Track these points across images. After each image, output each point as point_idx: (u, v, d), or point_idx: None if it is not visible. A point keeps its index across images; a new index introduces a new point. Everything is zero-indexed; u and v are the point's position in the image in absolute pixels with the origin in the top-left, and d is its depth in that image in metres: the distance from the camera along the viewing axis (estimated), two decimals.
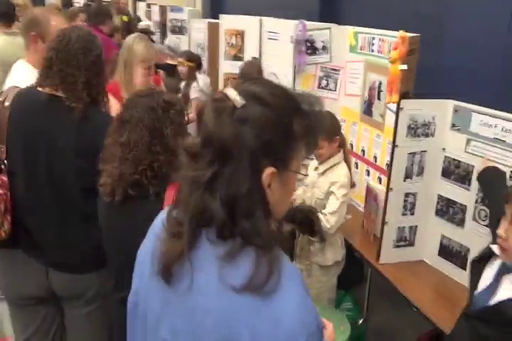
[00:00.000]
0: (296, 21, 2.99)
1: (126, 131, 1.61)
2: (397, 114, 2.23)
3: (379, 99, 2.77)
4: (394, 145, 2.31)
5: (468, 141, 2.28)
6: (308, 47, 2.90)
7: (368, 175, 3.05)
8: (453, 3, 3.92)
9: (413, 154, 2.38)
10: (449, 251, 2.49)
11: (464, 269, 2.40)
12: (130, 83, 2.54)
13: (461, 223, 2.39)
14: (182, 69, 4.18)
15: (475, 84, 3.56)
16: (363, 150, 3.06)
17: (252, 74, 2.98)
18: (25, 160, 1.87)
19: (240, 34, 4.31)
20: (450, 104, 2.30)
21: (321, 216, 2.55)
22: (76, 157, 1.82)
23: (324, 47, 2.93)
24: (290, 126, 0.87)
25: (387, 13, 4.49)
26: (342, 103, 3.12)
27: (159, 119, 1.60)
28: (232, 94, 0.86)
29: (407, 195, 2.48)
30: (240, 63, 4.32)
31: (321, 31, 2.87)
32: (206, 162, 0.86)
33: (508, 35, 3.55)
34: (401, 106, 2.21)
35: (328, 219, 2.54)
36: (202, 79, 4.35)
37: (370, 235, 2.82)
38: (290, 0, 6.34)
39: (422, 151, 2.39)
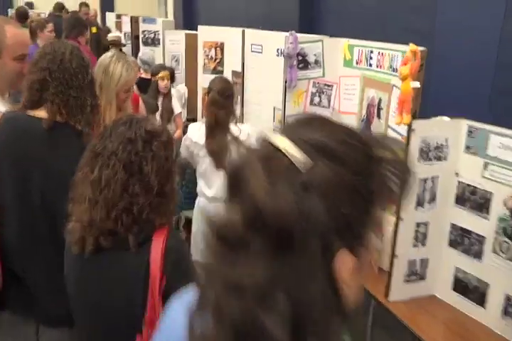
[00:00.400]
0: (284, 33, 2.74)
1: (97, 166, 1.31)
2: (408, 136, 1.98)
3: (379, 117, 2.53)
4: None
5: (485, 165, 2.04)
6: (299, 61, 2.64)
7: None
8: (439, 17, 3.74)
9: (424, 180, 2.13)
10: (465, 286, 2.24)
11: (483, 306, 2.16)
12: (106, 110, 2.22)
13: (478, 255, 2.15)
14: (163, 83, 3.86)
15: (464, 99, 3.38)
16: None
17: (224, 90, 2.70)
18: (17, 193, 1.63)
19: (220, 46, 4.04)
20: (463, 124, 2.07)
21: None
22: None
23: (317, 61, 2.68)
24: (369, 186, 0.60)
25: (370, 23, 4.31)
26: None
27: (138, 153, 1.30)
28: (290, 148, 0.58)
29: (418, 224, 2.23)
30: None
31: (313, 44, 2.61)
32: (255, 254, 0.57)
33: (498, 50, 3.38)
34: (413, 128, 1.96)
35: None
36: (178, 90, 4.07)
37: (374, 267, 2.55)
38: (267, 11, 6.11)
39: (433, 177, 2.15)
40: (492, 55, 3.31)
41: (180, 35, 4.76)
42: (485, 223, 2.08)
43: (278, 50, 3.14)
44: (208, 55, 4.16)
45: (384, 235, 2.51)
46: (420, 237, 2.26)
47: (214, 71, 4.21)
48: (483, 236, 2.11)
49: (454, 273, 2.29)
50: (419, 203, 2.17)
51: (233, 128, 2.69)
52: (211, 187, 2.73)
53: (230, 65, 4.02)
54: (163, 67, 4.02)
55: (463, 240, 2.21)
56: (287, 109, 2.81)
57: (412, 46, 1.84)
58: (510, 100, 3.14)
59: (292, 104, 2.80)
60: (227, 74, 4.14)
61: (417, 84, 1.85)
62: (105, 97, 2.26)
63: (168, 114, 3.70)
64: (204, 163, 2.74)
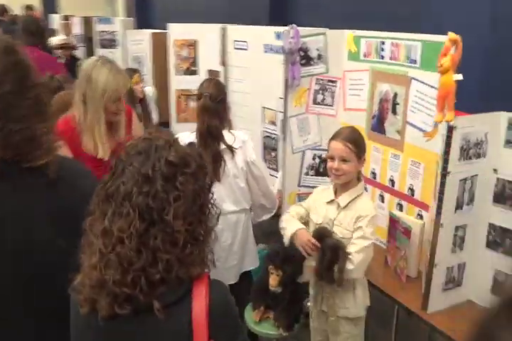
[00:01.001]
0: (273, 27, 2.49)
1: (109, 212, 1.02)
2: (449, 135, 1.78)
3: (394, 113, 2.32)
4: (445, 173, 1.86)
5: None
6: (301, 56, 2.39)
7: (383, 201, 2.59)
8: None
9: (464, 180, 1.95)
10: None
11: None
12: (94, 129, 1.89)
13: None
14: (139, 87, 3.52)
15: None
16: (373, 173, 2.60)
17: (217, 94, 2.41)
18: None
19: (193, 44, 3.73)
20: (503, 117, 1.89)
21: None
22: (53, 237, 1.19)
23: (320, 56, 2.44)
24: None
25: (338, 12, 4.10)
26: (340, 119, 2.64)
27: (157, 195, 1.01)
28: None
29: (456, 228, 2.05)
30: (195, 77, 3.77)
31: (315, 37, 2.37)
32: None
33: (487, 38, 3.24)
34: (454, 125, 1.76)
35: (352, 259, 2.04)
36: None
37: (401, 276, 2.36)
38: (229, 3, 5.81)
39: (472, 176, 1.97)
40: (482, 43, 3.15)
41: (145, 34, 4.40)
42: None
43: (266, 45, 2.89)
44: (179, 55, 3.84)
45: (412, 241, 2.34)
46: (458, 241, 2.08)
47: (188, 71, 3.91)
48: None
49: (493, 276, 2.14)
50: (459, 205, 1.98)
51: (227, 135, 2.41)
52: None
53: (206, 64, 3.72)
54: (133, 70, 3.67)
55: (503, 240, 2.05)
56: (288, 110, 2.56)
57: (451, 35, 1.63)
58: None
59: (294, 105, 2.55)
60: (202, 74, 3.85)
61: (460, 77, 1.65)
62: (91, 112, 1.93)
63: (148, 122, 3.37)
64: None
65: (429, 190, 2.30)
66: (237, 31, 3.20)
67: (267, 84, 3.01)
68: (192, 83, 3.99)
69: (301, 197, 2.83)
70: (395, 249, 2.39)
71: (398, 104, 2.27)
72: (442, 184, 1.89)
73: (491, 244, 2.09)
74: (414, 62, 2.13)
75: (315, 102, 2.57)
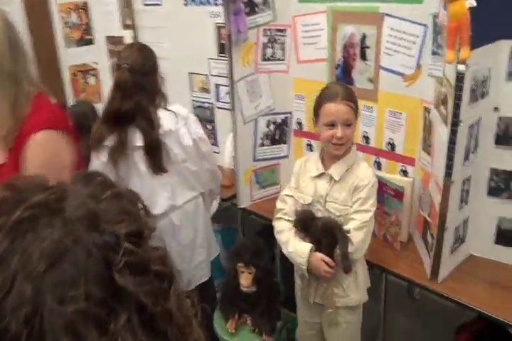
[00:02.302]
0: None
1: None
2: (460, 76, 1.48)
3: (364, 58, 1.99)
4: (456, 122, 1.57)
5: None
6: (244, 3, 1.93)
7: None
8: None
9: (472, 126, 1.69)
10: None
11: None
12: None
13: None
14: None
15: None
16: None
17: (140, 63, 1.91)
18: None
19: (83, 7, 3.08)
20: (504, 46, 1.63)
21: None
22: None
23: (265, 1, 2.00)
24: None
25: None
26: (293, 74, 2.25)
27: None
28: None
29: (463, 182, 1.81)
30: (91, 48, 3.17)
31: None
32: None
33: None
34: (467, 63, 1.46)
35: (351, 238, 1.73)
36: None
37: (394, 244, 2.11)
38: None
39: (478, 120, 1.72)
40: None
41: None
42: None
43: None
44: (66, 23, 3.16)
45: (404, 203, 2.08)
46: (464, 196, 1.85)
47: (81, 42, 3.25)
48: None
49: (496, 225, 1.96)
50: (466, 157, 1.73)
51: (163, 114, 1.94)
52: (155, 204, 2.00)
53: (104, 30, 3.11)
54: None
55: (507, 185, 1.86)
56: (235, 73, 2.11)
57: None
58: None
59: (241, 65, 2.11)
60: (101, 44, 3.23)
61: (474, 3, 1.33)
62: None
63: None
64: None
65: (414, 141, 2.04)
66: None
67: (193, 45, 2.52)
68: (88, 55, 3.36)
69: (258, 174, 2.45)
70: (383, 215, 2.12)
71: (368, 47, 1.94)
72: (452, 136, 1.60)
73: (493, 191, 1.90)
74: None
75: (264, 58, 2.15)
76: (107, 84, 3.44)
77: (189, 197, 2.11)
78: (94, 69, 3.47)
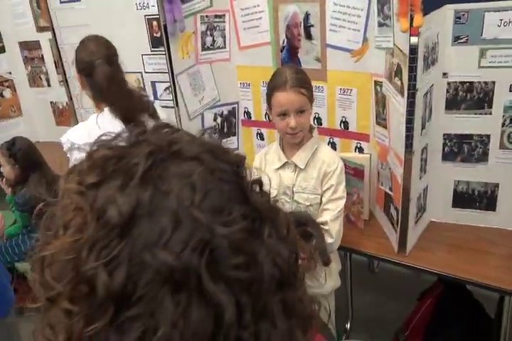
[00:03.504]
0: None
1: None
2: (413, 47, 1.49)
3: (309, 38, 1.96)
4: (414, 94, 1.58)
5: (482, 53, 1.70)
6: None
7: None
8: None
9: (425, 95, 1.71)
10: (469, 197, 1.99)
11: (493, 210, 1.96)
12: None
13: (482, 158, 1.90)
14: None
15: None
16: None
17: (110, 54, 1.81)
18: None
19: None
20: (449, 11, 1.66)
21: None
22: None
23: None
24: None
25: None
26: (236, 62, 2.18)
27: None
28: None
29: (422, 151, 1.84)
30: (4, 56, 2.94)
31: None
32: None
33: None
34: (420, 30, 1.47)
35: (329, 230, 1.70)
36: None
37: (357, 223, 2.09)
38: None
39: (431, 88, 1.74)
40: None
41: None
42: (488, 119, 1.81)
43: None
44: None
45: (365, 181, 2.08)
46: (423, 165, 1.88)
47: None
48: (486, 135, 1.85)
49: (452, 188, 2.02)
50: (423, 125, 1.76)
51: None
52: None
53: (15, 35, 2.87)
54: None
55: (461, 148, 1.92)
56: (175, 66, 2.01)
57: None
58: None
59: (180, 57, 2.00)
60: (14, 50, 2.98)
61: None
62: None
63: None
64: None
65: (367, 117, 2.04)
66: None
67: (122, 42, 2.36)
68: (0, 65, 3.10)
69: None
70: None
71: (312, 26, 1.90)
72: (410, 108, 1.61)
73: (448, 156, 1.95)
74: None
75: (204, 48, 2.06)
76: (26, 95, 3.19)
77: None
78: (7, 80, 3.21)
